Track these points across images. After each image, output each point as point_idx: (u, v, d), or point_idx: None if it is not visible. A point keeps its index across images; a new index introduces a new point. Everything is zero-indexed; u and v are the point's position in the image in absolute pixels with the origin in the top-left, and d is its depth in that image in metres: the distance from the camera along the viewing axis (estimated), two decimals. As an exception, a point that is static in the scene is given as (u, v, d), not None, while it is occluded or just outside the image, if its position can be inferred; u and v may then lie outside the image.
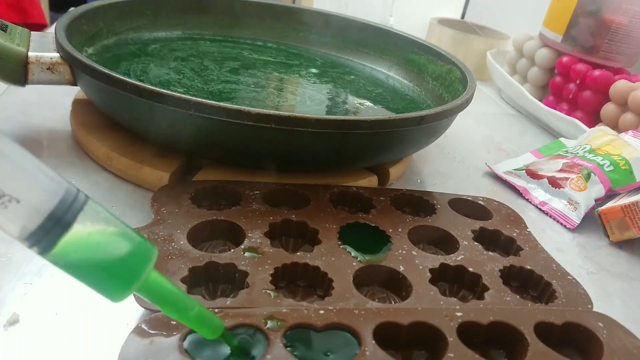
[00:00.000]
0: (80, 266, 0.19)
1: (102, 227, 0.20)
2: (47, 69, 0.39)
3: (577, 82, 0.64)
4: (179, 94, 0.33)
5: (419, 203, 0.40)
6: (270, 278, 0.29)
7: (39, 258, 0.30)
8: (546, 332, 0.28)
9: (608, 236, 0.42)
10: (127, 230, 0.20)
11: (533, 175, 0.48)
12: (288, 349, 0.24)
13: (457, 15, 1.03)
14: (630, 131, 0.51)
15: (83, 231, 0.19)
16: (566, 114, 0.63)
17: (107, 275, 0.20)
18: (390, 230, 0.35)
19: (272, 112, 0.33)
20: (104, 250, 0.20)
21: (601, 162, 0.46)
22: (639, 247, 0.43)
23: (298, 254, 0.31)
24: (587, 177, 0.45)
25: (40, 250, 0.18)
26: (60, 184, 0.19)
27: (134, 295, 0.26)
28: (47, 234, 0.18)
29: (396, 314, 0.27)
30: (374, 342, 0.25)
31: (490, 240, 0.37)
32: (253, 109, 0.33)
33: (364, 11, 0.84)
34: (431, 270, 0.32)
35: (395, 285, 0.31)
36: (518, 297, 0.31)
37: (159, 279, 0.21)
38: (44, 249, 0.18)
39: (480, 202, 0.41)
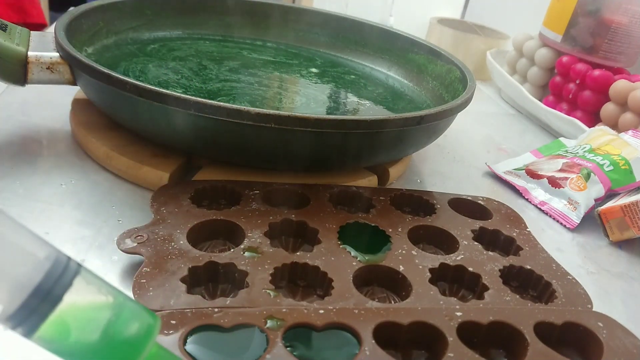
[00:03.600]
0: (71, 349, 0.17)
1: (95, 300, 0.17)
2: (46, 68, 0.39)
3: (577, 82, 0.64)
4: (178, 94, 0.33)
5: (418, 203, 0.40)
6: (270, 278, 0.29)
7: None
8: (546, 332, 0.28)
9: (608, 236, 0.42)
10: (125, 301, 0.18)
11: (533, 175, 0.48)
12: (288, 348, 0.24)
13: (457, 15, 1.03)
14: (630, 131, 0.51)
15: (72, 307, 0.16)
16: (566, 113, 0.63)
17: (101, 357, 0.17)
18: (390, 230, 0.35)
19: (271, 111, 0.33)
20: (97, 328, 0.17)
21: (601, 162, 0.46)
22: (639, 247, 0.43)
23: (298, 253, 0.31)
24: (587, 176, 0.45)
25: (24, 332, 0.16)
26: (47, 253, 0.16)
27: (134, 295, 0.26)
28: (31, 314, 0.16)
29: (396, 314, 0.27)
30: (373, 341, 0.25)
31: (490, 240, 0.37)
32: (253, 108, 0.33)
33: (364, 11, 0.84)
34: (431, 270, 0.32)
35: (395, 285, 0.31)
36: (518, 296, 0.31)
37: (163, 354, 0.19)
38: (28, 331, 0.16)
39: (480, 202, 0.41)
